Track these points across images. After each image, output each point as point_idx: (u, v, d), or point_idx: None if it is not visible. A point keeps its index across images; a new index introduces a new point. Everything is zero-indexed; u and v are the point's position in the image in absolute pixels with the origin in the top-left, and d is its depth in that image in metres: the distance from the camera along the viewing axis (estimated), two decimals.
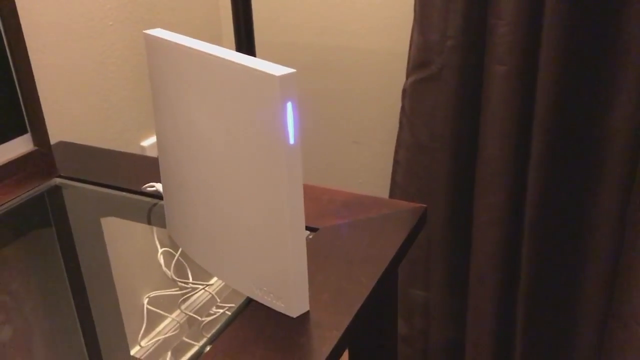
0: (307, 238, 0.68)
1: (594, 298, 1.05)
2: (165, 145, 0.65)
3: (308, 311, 0.57)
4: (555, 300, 1.08)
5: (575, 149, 0.99)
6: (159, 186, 0.78)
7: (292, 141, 0.50)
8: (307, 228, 0.69)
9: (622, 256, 0.99)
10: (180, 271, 0.83)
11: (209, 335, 0.58)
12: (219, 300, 0.92)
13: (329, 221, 0.71)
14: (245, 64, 0.50)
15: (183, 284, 0.87)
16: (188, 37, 0.57)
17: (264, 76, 0.48)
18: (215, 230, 0.61)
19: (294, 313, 0.57)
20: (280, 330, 0.55)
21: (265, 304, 0.58)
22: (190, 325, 1.27)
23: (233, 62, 0.51)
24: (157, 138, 0.66)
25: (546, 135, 0.97)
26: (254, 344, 0.54)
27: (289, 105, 0.48)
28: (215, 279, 1.09)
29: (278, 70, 0.48)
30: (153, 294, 1.15)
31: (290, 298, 0.56)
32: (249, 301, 0.59)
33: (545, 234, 1.03)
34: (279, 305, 0.57)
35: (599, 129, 0.96)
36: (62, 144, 0.95)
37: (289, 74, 0.48)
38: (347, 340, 0.55)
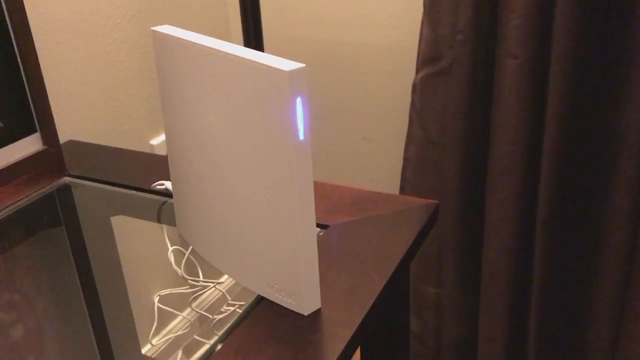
0: (317, 235, 0.67)
1: (608, 293, 1.03)
2: (174, 143, 0.65)
3: (320, 309, 0.57)
4: (568, 296, 1.07)
5: (588, 144, 0.97)
6: (168, 184, 0.78)
7: (302, 137, 0.49)
8: (318, 225, 0.69)
9: (636, 251, 0.97)
10: (190, 269, 0.83)
11: (220, 334, 0.58)
12: (229, 298, 0.92)
13: (339, 218, 0.71)
14: (254, 59, 0.49)
15: (193, 282, 0.86)
16: (196, 34, 0.57)
17: (273, 71, 0.48)
18: (226, 228, 0.60)
19: (306, 311, 0.56)
20: (292, 328, 0.55)
21: (276, 301, 0.58)
22: (201, 323, 1.27)
23: (242, 58, 0.50)
24: (166, 136, 0.66)
25: (558, 130, 0.95)
26: (266, 342, 0.54)
27: (299, 100, 0.48)
28: (225, 276, 1.08)
29: (287, 65, 0.47)
30: (164, 292, 1.15)
31: (302, 296, 0.55)
32: (260, 299, 0.59)
33: (558, 230, 1.02)
34: (290, 303, 0.57)
35: (613, 124, 0.95)
36: (72, 143, 0.95)
37: (298, 68, 0.47)
38: (359, 337, 0.55)
